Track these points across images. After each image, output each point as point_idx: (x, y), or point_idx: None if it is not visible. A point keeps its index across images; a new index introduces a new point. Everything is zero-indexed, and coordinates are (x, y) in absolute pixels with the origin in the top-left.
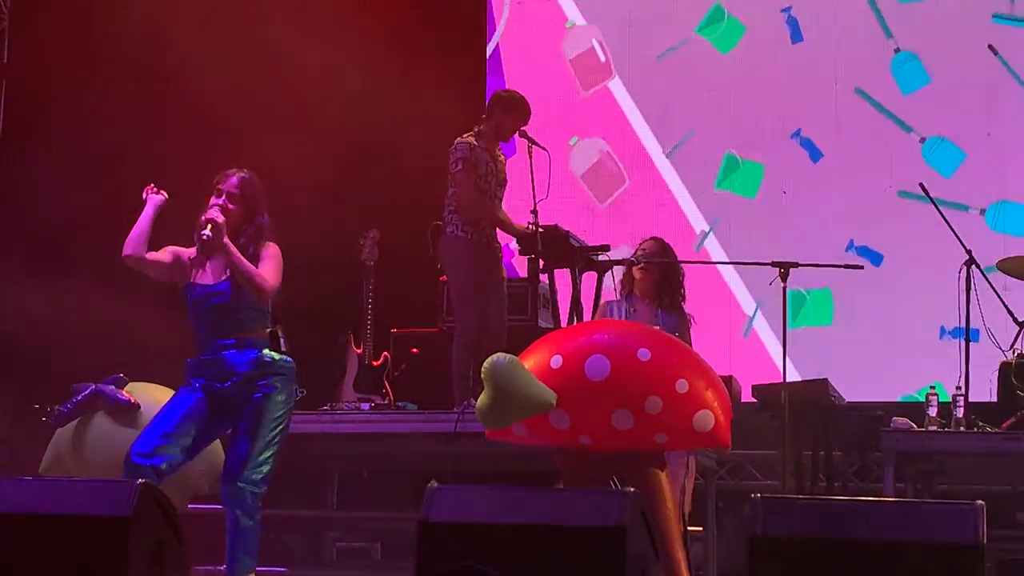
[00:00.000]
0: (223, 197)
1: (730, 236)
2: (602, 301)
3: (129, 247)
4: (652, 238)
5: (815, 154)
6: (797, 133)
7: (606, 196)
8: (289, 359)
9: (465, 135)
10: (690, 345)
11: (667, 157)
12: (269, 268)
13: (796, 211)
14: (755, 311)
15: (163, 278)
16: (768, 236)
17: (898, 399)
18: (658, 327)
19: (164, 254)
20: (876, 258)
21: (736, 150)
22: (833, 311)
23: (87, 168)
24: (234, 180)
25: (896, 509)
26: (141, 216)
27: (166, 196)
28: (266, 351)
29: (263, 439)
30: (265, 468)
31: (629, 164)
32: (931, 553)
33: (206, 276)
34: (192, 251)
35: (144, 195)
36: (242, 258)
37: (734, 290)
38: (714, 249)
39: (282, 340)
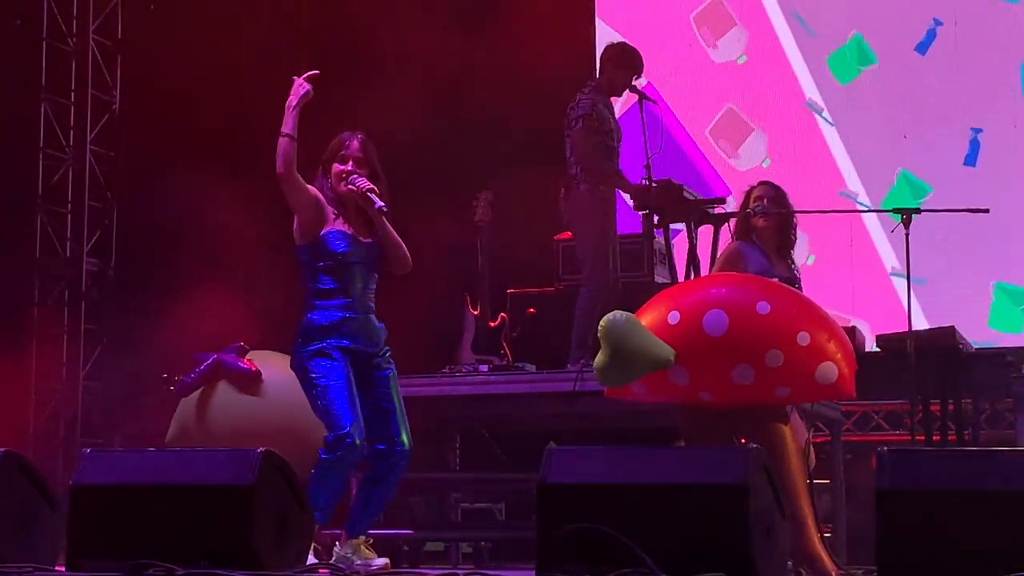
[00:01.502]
0: (350, 163)
1: None
2: (730, 247)
3: (284, 164)
4: (763, 183)
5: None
6: None
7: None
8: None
9: (584, 91)
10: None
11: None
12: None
13: None
14: None
15: (299, 210)
16: None
17: None
18: (787, 275)
19: (310, 188)
20: None
21: None
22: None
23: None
24: (356, 144)
25: None
26: (287, 124)
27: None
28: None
29: (401, 406)
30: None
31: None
32: None
33: (349, 230)
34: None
35: (298, 85)
36: (392, 230)
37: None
38: None
39: None
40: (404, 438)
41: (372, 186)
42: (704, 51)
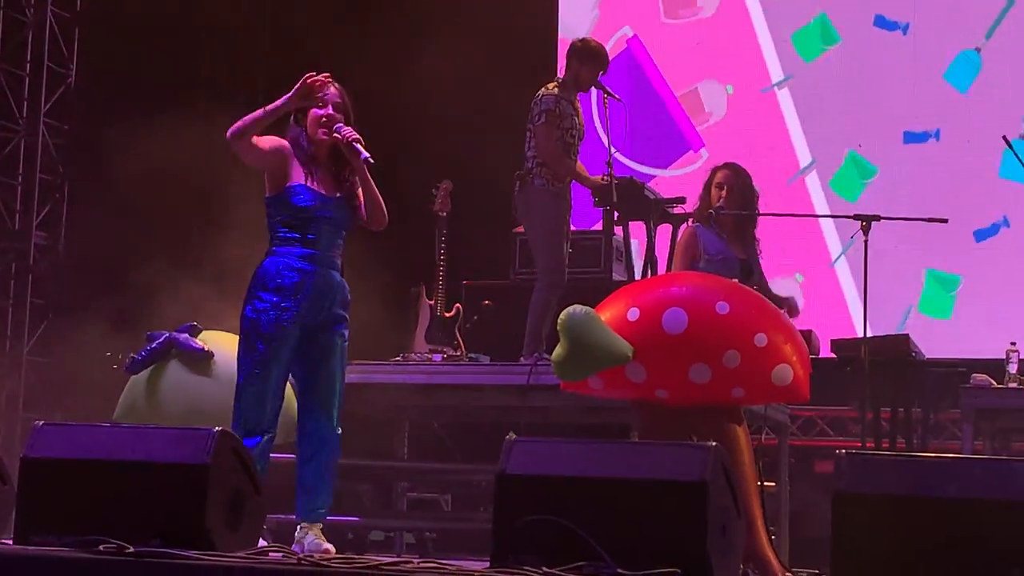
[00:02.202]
0: (329, 107)
1: None
2: (687, 231)
3: (234, 129)
4: (726, 165)
5: None
6: None
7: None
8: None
9: (549, 86)
10: (763, 275)
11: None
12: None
13: None
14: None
15: (258, 162)
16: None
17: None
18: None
19: (264, 141)
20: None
21: None
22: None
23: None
24: (334, 91)
25: (984, 467)
26: (276, 103)
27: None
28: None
29: (342, 379)
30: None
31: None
32: (1019, 512)
33: (312, 182)
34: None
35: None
36: (373, 184)
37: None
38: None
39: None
40: (334, 417)
41: (358, 136)
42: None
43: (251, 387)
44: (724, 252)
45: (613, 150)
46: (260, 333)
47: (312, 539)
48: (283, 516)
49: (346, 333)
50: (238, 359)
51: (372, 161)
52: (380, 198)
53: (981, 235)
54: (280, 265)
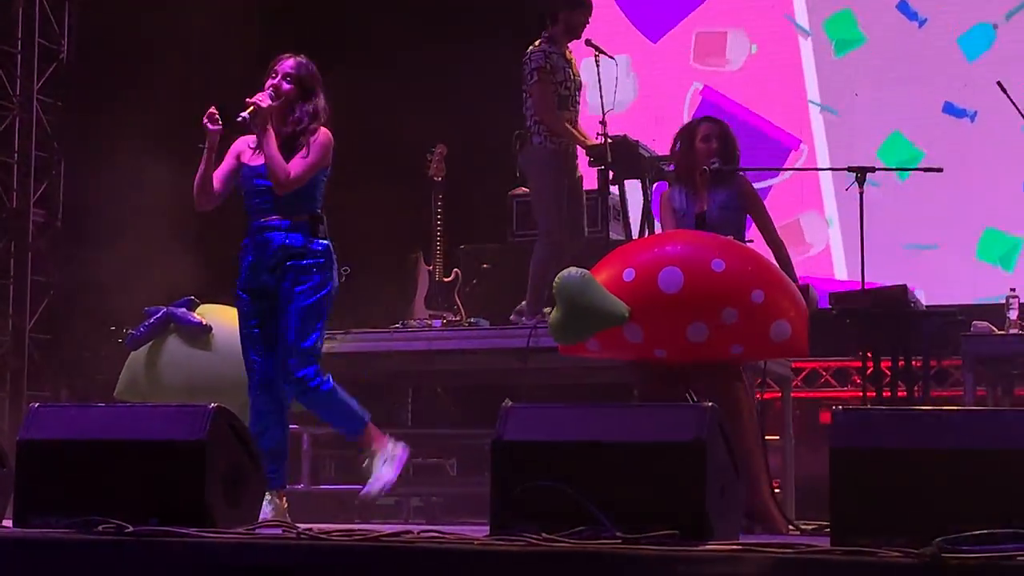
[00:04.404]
0: (278, 77)
1: None
2: (663, 193)
3: (201, 201)
4: (706, 119)
5: None
6: None
7: None
8: (326, 242)
9: (536, 43)
10: (764, 208)
11: None
12: (302, 159)
13: None
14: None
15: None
16: None
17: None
18: (710, 211)
19: (227, 162)
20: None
21: None
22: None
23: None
24: (290, 62)
25: (979, 417)
26: (202, 164)
27: (221, 128)
28: (307, 235)
29: (306, 327)
30: (313, 356)
31: None
32: (1019, 461)
33: (256, 158)
34: (249, 137)
35: (206, 123)
36: (272, 145)
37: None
38: None
39: (323, 226)
40: (291, 364)
41: (256, 100)
42: None
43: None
44: (685, 208)
45: (607, 108)
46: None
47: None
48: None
49: (295, 278)
50: None
51: (244, 118)
52: (274, 158)
53: None
54: (246, 241)
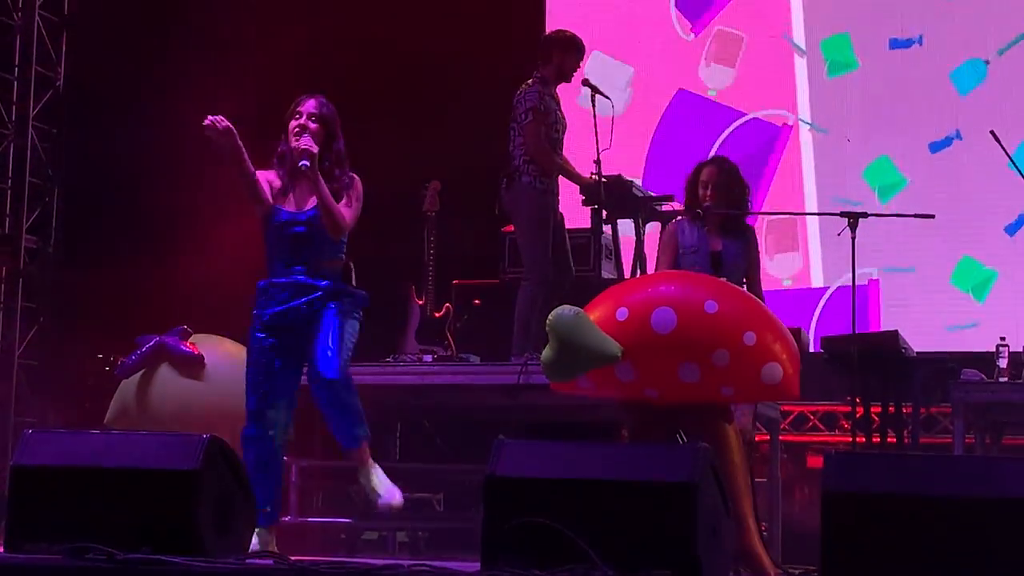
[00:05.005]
0: (303, 118)
1: None
2: (670, 225)
3: (258, 203)
4: (712, 161)
5: None
6: None
7: None
8: (363, 292)
9: (529, 82)
10: (759, 259)
11: None
12: (350, 205)
13: None
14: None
15: (253, 198)
16: None
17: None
18: (728, 254)
19: (259, 180)
20: None
21: None
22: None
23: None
24: (312, 102)
25: (973, 465)
26: (241, 170)
27: (230, 126)
28: (340, 281)
29: (340, 339)
30: (344, 357)
31: None
32: (1009, 510)
33: (290, 203)
34: (270, 173)
35: (210, 130)
36: (328, 193)
37: None
38: None
39: (353, 274)
40: (321, 366)
41: (307, 145)
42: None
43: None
44: (697, 244)
45: (601, 148)
46: (250, 346)
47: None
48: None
49: (328, 307)
50: None
51: (305, 166)
52: (333, 207)
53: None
54: (261, 285)
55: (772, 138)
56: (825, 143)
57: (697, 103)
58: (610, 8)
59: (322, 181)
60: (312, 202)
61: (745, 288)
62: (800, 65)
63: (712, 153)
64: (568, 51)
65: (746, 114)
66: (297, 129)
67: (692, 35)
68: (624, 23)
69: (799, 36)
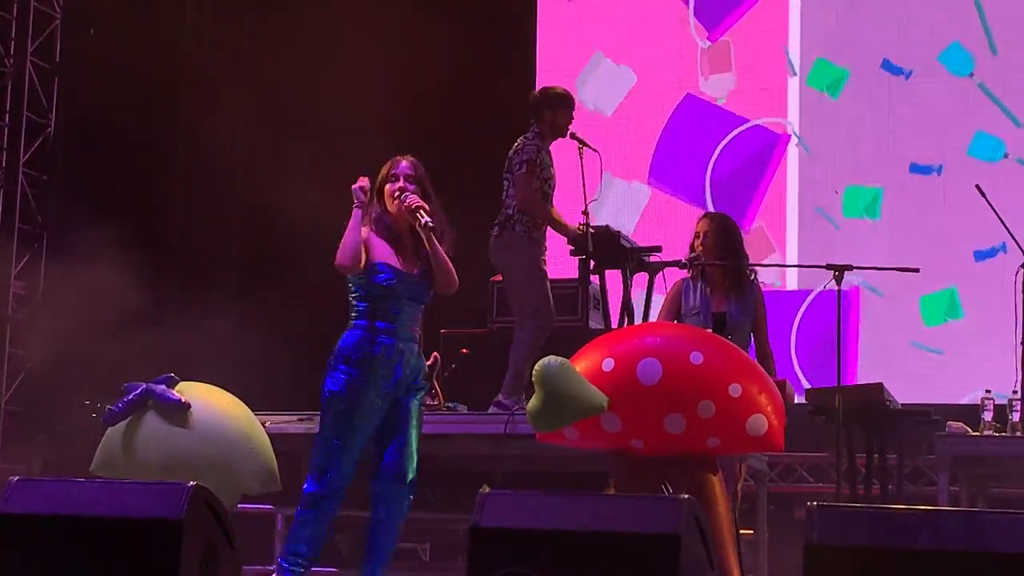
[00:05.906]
0: (401, 180)
1: None
2: (675, 285)
3: (350, 259)
4: (707, 215)
5: None
6: None
7: None
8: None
9: (528, 135)
10: (765, 314)
11: None
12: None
13: None
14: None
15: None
16: None
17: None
18: (732, 313)
19: (359, 239)
20: None
21: None
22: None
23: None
24: (405, 164)
25: (957, 519)
26: (354, 225)
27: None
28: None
29: (417, 440)
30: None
31: None
32: (994, 564)
33: (394, 259)
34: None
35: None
36: (444, 253)
37: None
38: None
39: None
40: (406, 470)
41: (421, 203)
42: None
43: (325, 451)
44: (699, 307)
45: (588, 199)
46: (339, 404)
47: None
48: (259, 567)
49: (421, 396)
50: (319, 430)
51: (432, 225)
52: (447, 262)
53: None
54: (359, 339)
55: (771, 145)
56: (811, 157)
57: (704, 108)
58: (618, 16)
59: (435, 240)
60: (415, 266)
61: (753, 345)
62: (792, 82)
63: (715, 156)
64: (557, 108)
65: (749, 120)
66: (397, 192)
67: (708, 42)
68: (633, 29)
69: (795, 51)
